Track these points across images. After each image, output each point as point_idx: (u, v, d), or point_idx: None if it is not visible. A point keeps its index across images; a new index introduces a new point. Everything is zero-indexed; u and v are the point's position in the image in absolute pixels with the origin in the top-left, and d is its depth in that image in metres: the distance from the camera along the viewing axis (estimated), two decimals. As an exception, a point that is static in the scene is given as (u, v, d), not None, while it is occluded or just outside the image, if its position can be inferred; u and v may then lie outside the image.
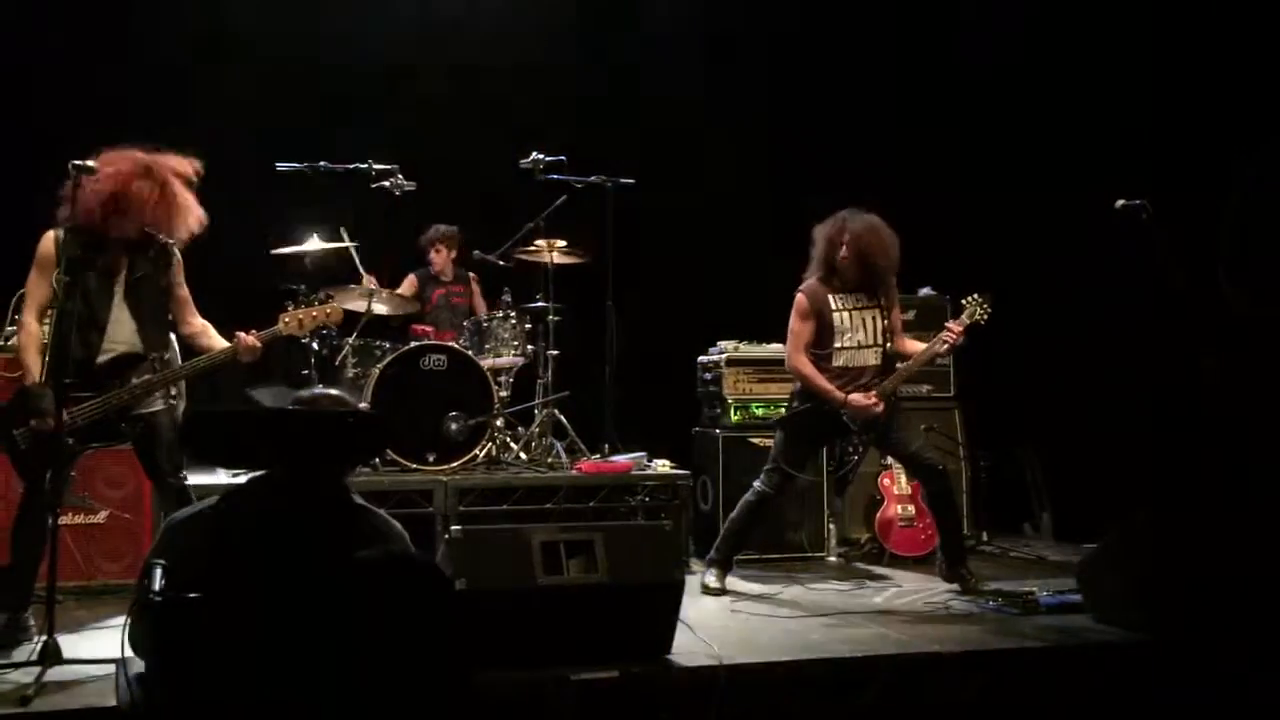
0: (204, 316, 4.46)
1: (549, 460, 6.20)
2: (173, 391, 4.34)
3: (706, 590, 5.18)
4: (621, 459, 6.13)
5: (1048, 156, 6.79)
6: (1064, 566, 5.57)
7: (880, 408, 5.11)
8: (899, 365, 5.25)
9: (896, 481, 6.21)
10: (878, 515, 6.16)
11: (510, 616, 3.66)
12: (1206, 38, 6.20)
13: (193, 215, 4.32)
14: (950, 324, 5.20)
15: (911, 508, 6.14)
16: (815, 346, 5.25)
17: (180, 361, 4.46)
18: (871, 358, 5.25)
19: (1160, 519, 4.44)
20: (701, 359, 6.62)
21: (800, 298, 5.31)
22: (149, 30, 6.77)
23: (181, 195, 4.28)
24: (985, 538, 6.53)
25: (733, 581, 5.46)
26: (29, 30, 6.50)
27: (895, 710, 3.91)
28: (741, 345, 6.47)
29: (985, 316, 5.22)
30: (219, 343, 4.36)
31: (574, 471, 6.03)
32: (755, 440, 6.21)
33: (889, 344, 5.29)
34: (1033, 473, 7.04)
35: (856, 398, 5.11)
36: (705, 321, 6.84)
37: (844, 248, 5.21)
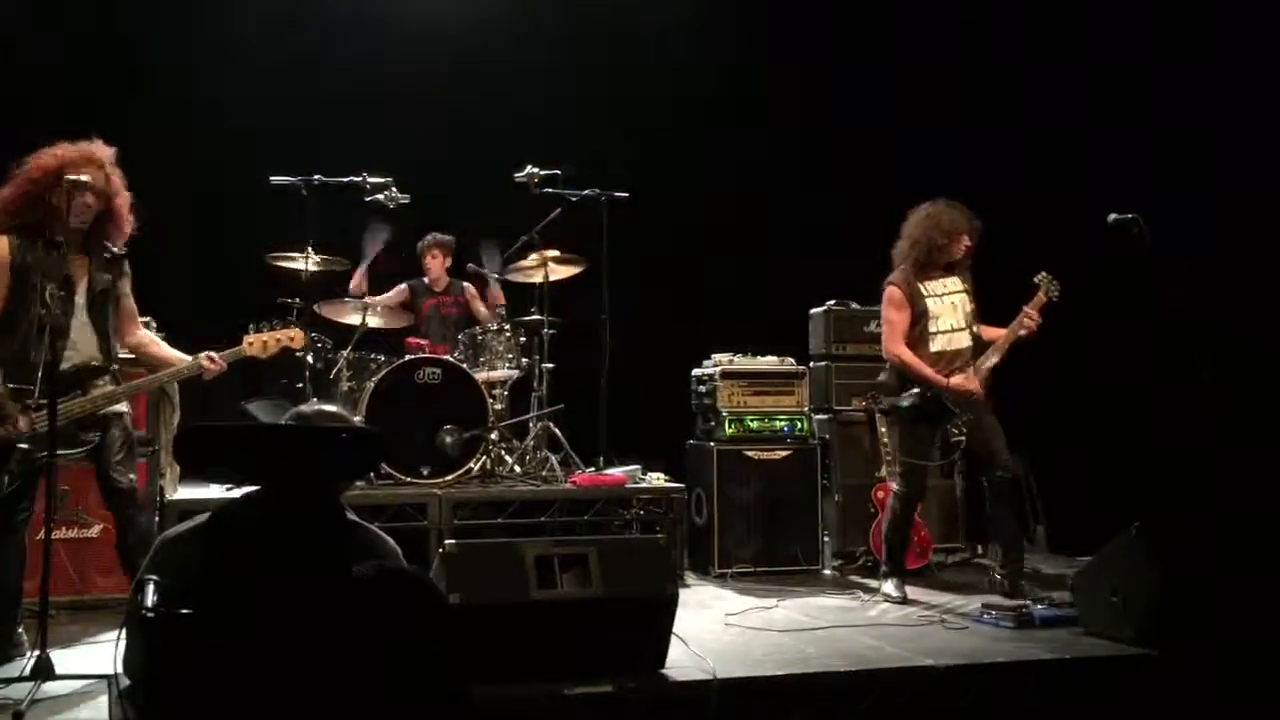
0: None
1: (543, 473, 6.20)
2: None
3: (889, 599, 5.29)
4: (616, 472, 6.12)
5: (1047, 165, 6.82)
6: (1059, 579, 5.57)
7: (980, 390, 5.25)
8: (992, 349, 5.37)
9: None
10: (872, 528, 6.15)
11: (504, 631, 3.65)
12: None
13: (127, 198, 4.33)
14: (1027, 307, 5.34)
15: (906, 520, 6.13)
16: (911, 334, 5.38)
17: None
18: (964, 340, 5.40)
19: (1156, 532, 4.44)
20: (696, 372, 6.63)
21: (892, 289, 5.45)
22: (144, 40, 6.78)
23: (120, 180, 4.30)
24: (980, 550, 6.52)
25: (726, 594, 5.49)
26: (23, 40, 6.52)
27: (890, 724, 3.91)
28: (736, 358, 6.47)
29: (1056, 293, 5.37)
30: (168, 352, 4.41)
31: (568, 485, 6.02)
32: (750, 453, 6.21)
33: (975, 327, 5.43)
34: (1028, 485, 7.04)
35: (958, 380, 5.24)
36: (700, 334, 6.85)
37: (932, 235, 5.37)
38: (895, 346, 5.39)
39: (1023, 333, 5.36)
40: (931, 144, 7.52)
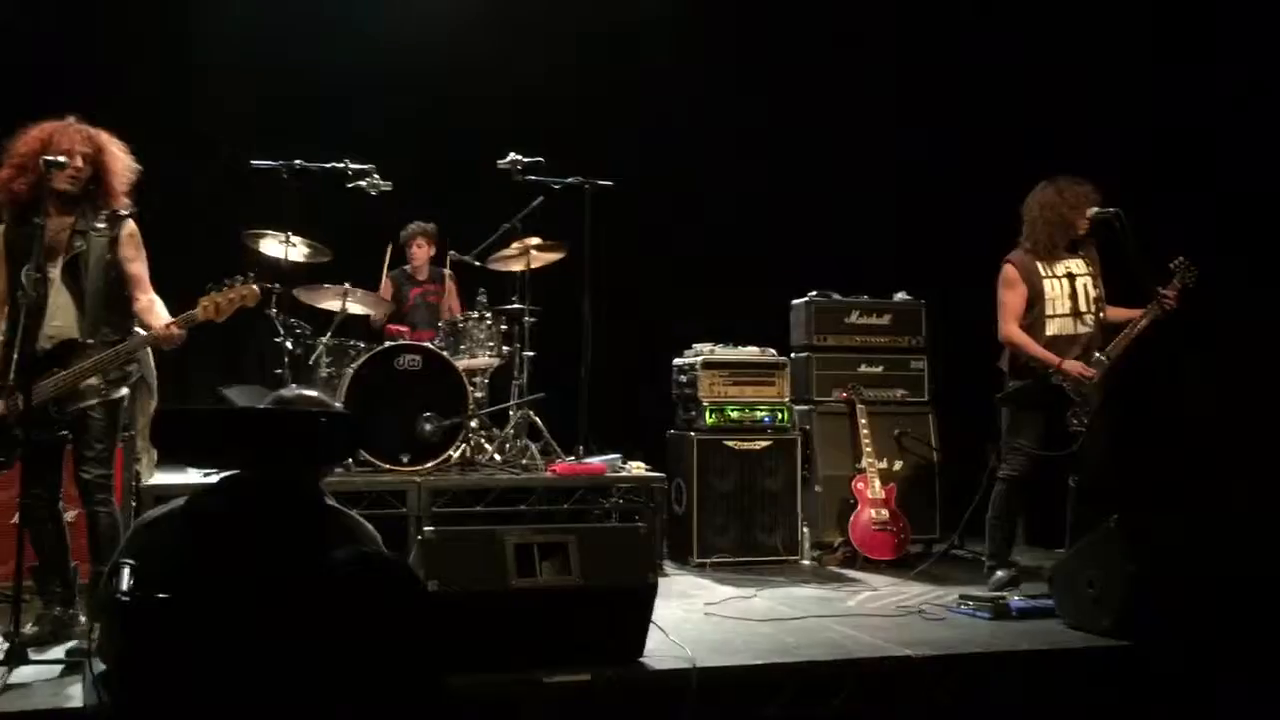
0: (174, 313, 4.34)
1: (523, 462, 6.18)
2: (110, 376, 4.17)
3: (1001, 586, 5.14)
4: (596, 461, 6.11)
5: (1028, 159, 6.82)
6: (1036, 571, 5.60)
7: (1095, 377, 5.13)
8: (1119, 338, 5.23)
9: (870, 485, 6.22)
10: (851, 519, 6.17)
11: (483, 619, 3.65)
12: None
13: (125, 160, 4.27)
14: (1165, 290, 5.20)
15: (885, 511, 6.16)
16: (1026, 318, 5.28)
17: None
18: (1083, 326, 5.27)
19: (1133, 525, 4.47)
20: (677, 361, 6.62)
21: (1008, 267, 5.34)
22: (129, 24, 6.72)
23: (110, 140, 4.24)
24: (957, 541, 6.55)
25: (705, 584, 5.51)
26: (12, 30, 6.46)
27: (866, 714, 3.92)
28: (717, 348, 6.47)
29: (1193, 279, 5.23)
30: (159, 320, 4.20)
31: (548, 473, 6.01)
32: (730, 443, 6.22)
33: (1102, 312, 5.30)
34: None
35: (1071, 363, 5.14)
36: (681, 324, 6.85)
37: (1048, 214, 5.28)
38: (1007, 327, 5.27)
39: (1158, 314, 5.18)
40: (921, 138, 7.53)
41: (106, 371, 4.15)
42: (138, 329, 4.25)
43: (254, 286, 4.25)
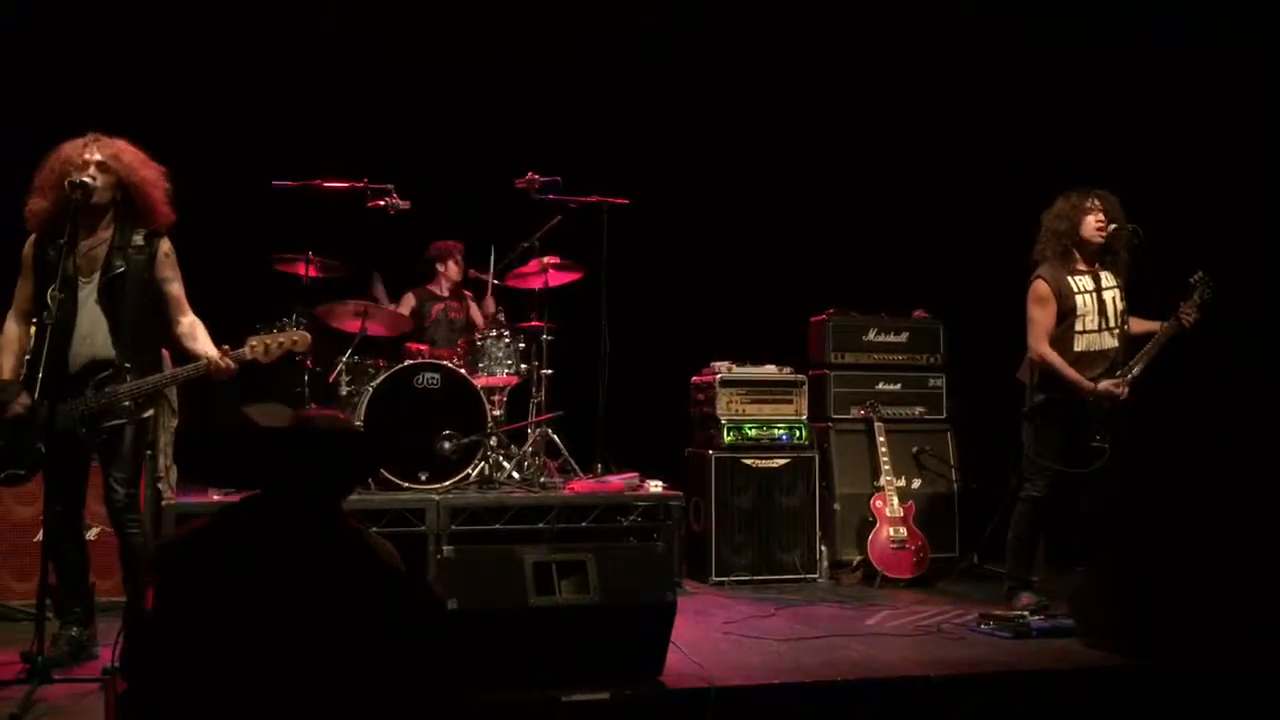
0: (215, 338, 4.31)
1: (541, 480, 6.20)
2: (139, 399, 4.17)
3: (1024, 607, 5.05)
4: (614, 479, 6.12)
5: (1042, 177, 6.82)
6: (1056, 590, 5.57)
7: (1125, 392, 5.09)
8: (1140, 354, 5.20)
9: (889, 504, 6.21)
10: (870, 537, 6.16)
11: (502, 637, 3.66)
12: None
13: (151, 167, 4.23)
14: (1184, 306, 5.18)
15: (903, 530, 6.14)
16: (1054, 333, 5.22)
17: (167, 366, 4.37)
18: (1110, 341, 5.22)
19: (1151, 542, 4.45)
20: (695, 380, 6.63)
21: (1038, 282, 5.25)
22: (148, 39, 6.78)
23: (127, 147, 4.21)
24: (977, 560, 6.52)
25: (724, 602, 5.49)
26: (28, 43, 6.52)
27: (886, 734, 3.92)
28: (735, 366, 6.47)
29: (1212, 294, 5.20)
30: (205, 346, 4.19)
31: (566, 491, 6.02)
32: (748, 461, 6.21)
33: (1127, 325, 5.25)
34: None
35: (1107, 384, 5.09)
36: (699, 342, 6.85)
37: (1052, 224, 5.26)
38: (1040, 346, 5.18)
39: (1176, 330, 5.16)
40: (930, 150, 7.52)
41: (140, 394, 4.15)
42: (164, 351, 4.28)
43: (306, 334, 4.29)
